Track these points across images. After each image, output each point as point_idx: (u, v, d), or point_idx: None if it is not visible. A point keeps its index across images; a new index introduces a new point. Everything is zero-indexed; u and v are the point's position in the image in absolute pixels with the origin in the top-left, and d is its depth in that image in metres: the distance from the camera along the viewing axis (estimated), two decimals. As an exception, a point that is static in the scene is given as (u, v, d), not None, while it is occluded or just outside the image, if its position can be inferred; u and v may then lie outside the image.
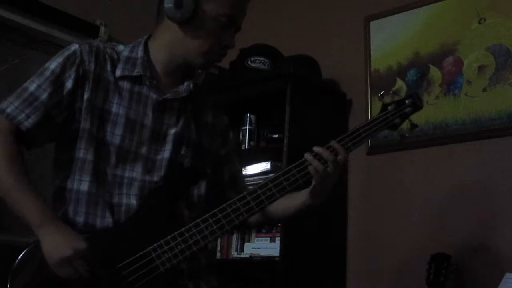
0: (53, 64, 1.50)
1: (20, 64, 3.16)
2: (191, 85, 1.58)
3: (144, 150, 1.50)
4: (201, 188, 1.59)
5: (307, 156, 1.48)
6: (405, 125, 1.63)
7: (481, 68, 2.61)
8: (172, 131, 1.54)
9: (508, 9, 2.58)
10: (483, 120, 2.56)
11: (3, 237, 2.67)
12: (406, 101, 1.59)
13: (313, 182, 1.52)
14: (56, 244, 1.35)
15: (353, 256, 2.85)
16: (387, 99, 1.65)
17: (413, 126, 1.63)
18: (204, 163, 1.60)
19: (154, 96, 1.54)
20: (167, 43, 1.57)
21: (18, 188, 1.39)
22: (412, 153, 2.74)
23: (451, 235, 2.51)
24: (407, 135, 1.66)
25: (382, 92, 1.68)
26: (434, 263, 2.28)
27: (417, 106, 1.60)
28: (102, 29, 3.35)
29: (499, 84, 2.55)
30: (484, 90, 2.59)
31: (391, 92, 1.64)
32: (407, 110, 1.59)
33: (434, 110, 2.69)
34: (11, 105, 1.46)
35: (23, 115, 1.45)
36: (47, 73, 1.49)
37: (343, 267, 2.84)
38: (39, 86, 1.47)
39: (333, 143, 1.50)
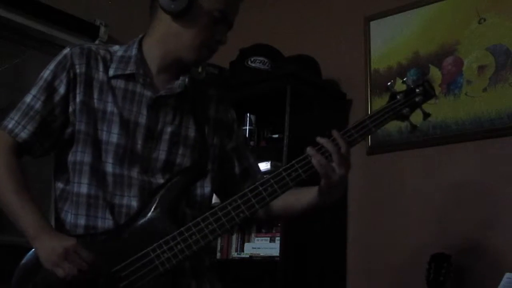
0: (46, 71, 1.53)
1: (20, 64, 3.16)
2: (186, 80, 1.56)
3: (138, 149, 1.50)
4: (204, 187, 1.57)
5: (309, 150, 1.42)
6: (417, 115, 1.53)
7: (481, 68, 2.61)
8: (169, 129, 1.53)
9: (508, 9, 2.58)
10: (483, 120, 2.56)
11: (3, 237, 2.67)
12: (417, 90, 1.52)
13: (321, 180, 1.44)
14: (49, 250, 1.37)
15: (353, 256, 2.85)
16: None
17: (426, 115, 1.53)
18: (205, 160, 1.58)
19: (148, 94, 1.53)
20: (160, 38, 1.56)
21: (15, 203, 1.43)
22: (412, 153, 2.74)
23: (451, 235, 2.51)
24: (418, 125, 1.55)
25: (391, 81, 1.59)
26: (434, 263, 2.28)
27: (429, 94, 1.52)
28: (102, 29, 3.34)
29: (499, 84, 2.55)
30: (484, 90, 2.59)
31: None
32: (418, 99, 1.51)
33: (434, 110, 2.67)
34: (12, 120, 1.50)
35: (20, 126, 1.49)
36: (41, 82, 1.52)
37: (343, 267, 2.85)
38: (34, 96, 1.51)
39: (335, 134, 1.42)
